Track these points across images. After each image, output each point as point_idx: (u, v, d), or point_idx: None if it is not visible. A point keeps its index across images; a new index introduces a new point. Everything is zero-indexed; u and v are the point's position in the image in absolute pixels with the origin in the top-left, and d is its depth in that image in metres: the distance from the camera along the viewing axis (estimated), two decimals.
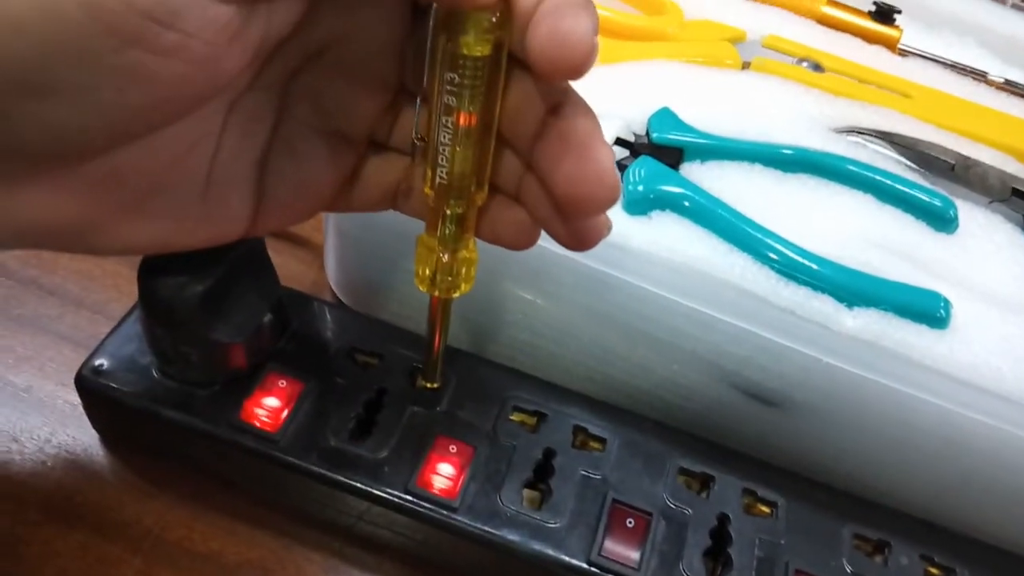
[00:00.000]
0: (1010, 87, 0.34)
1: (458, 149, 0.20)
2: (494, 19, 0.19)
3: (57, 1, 0.15)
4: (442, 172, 0.21)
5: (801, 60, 0.32)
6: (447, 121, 0.20)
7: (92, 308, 0.30)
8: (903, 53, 0.34)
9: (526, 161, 0.21)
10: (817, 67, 0.32)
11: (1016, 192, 0.28)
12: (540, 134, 0.20)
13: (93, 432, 0.27)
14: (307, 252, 0.33)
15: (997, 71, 0.36)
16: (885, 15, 0.34)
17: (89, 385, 0.25)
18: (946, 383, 0.23)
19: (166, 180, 0.19)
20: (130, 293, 0.25)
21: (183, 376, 0.25)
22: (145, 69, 0.16)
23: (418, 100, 0.21)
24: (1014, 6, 0.39)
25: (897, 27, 0.35)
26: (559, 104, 0.19)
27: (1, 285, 0.30)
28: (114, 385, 0.25)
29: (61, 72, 0.15)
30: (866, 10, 0.35)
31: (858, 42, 0.34)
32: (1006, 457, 0.23)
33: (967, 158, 0.29)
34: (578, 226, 0.20)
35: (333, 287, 0.32)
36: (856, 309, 0.23)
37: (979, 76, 0.34)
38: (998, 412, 0.22)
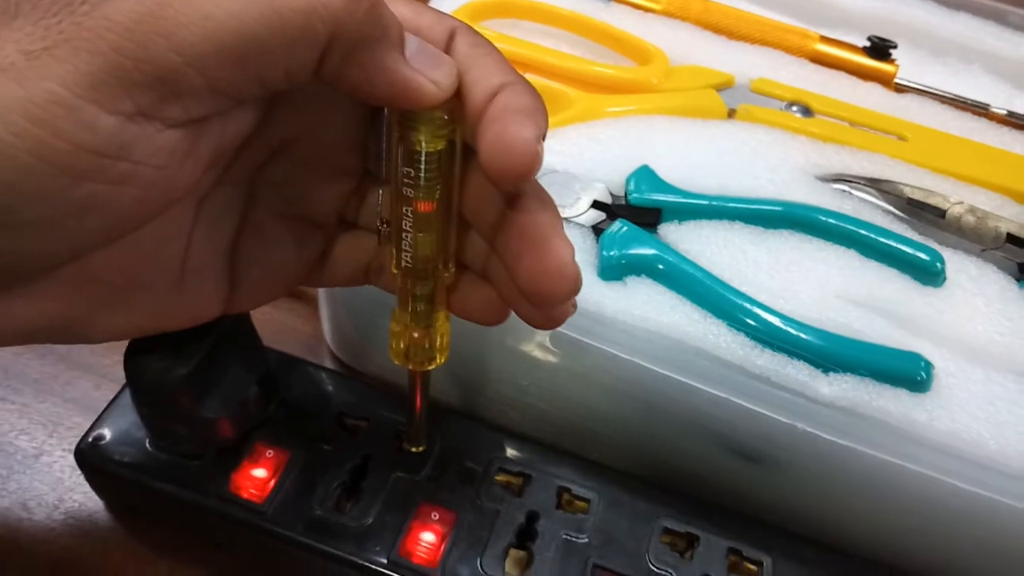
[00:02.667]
0: (1013, 119, 0.33)
1: (420, 235, 0.21)
2: (445, 117, 0.19)
3: (8, 149, 0.15)
4: (406, 256, 0.21)
5: (791, 104, 0.31)
6: (407, 210, 0.20)
7: (99, 373, 0.31)
8: (900, 89, 0.34)
9: (491, 244, 0.21)
10: (807, 111, 0.31)
11: (1011, 239, 0.28)
12: (500, 225, 0.20)
13: (97, 498, 0.28)
14: (304, 306, 0.34)
15: (1004, 98, 0.35)
16: (880, 51, 0.34)
17: (88, 459, 0.26)
18: (924, 451, 0.22)
19: (141, 275, 0.20)
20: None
21: (174, 449, 0.26)
22: (101, 198, 0.17)
23: (379, 189, 0.22)
24: (1016, 26, 0.38)
25: (893, 62, 0.34)
26: (517, 196, 0.20)
27: (13, 350, 0.32)
28: (111, 458, 0.26)
29: (21, 210, 0.16)
30: (861, 46, 0.34)
31: (853, 80, 0.33)
32: (986, 520, 0.23)
33: (960, 204, 0.28)
34: (544, 313, 0.21)
35: (328, 343, 0.32)
36: (832, 375, 0.23)
37: (980, 109, 0.33)
38: (977, 479, 0.22)
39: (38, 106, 0.16)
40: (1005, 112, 0.33)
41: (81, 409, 0.30)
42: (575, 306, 0.21)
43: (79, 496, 0.28)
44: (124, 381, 0.28)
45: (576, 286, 0.20)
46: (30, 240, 0.17)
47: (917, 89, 0.34)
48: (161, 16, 0.16)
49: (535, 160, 0.18)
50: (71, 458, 0.28)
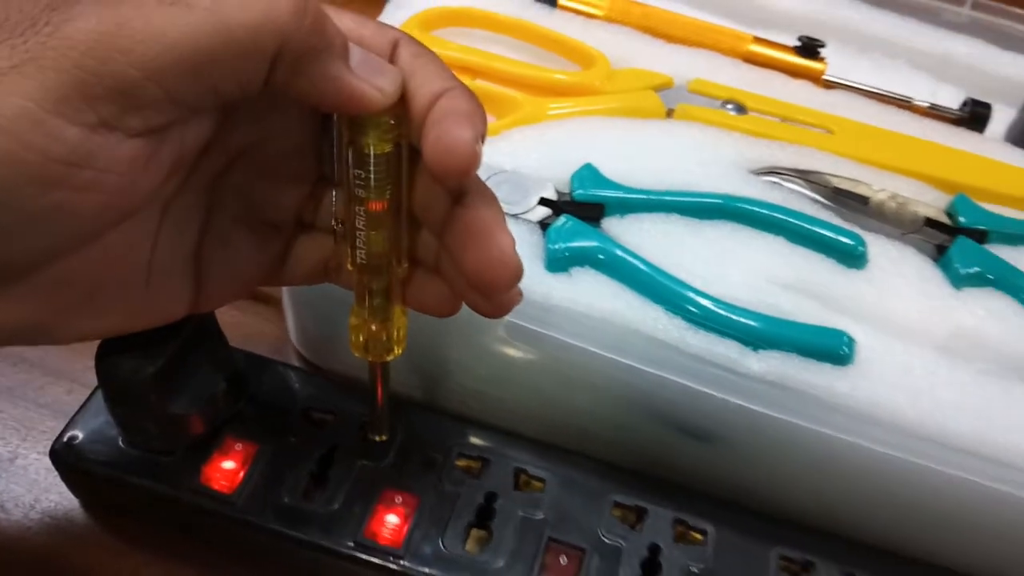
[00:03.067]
0: (935, 111, 0.35)
1: (372, 232, 0.22)
2: (392, 122, 0.21)
3: None
4: (360, 253, 0.23)
5: (725, 103, 0.33)
6: (359, 209, 0.22)
7: (71, 378, 0.32)
8: (829, 85, 0.36)
9: (440, 240, 0.22)
10: (740, 108, 0.33)
11: (929, 223, 0.30)
12: (447, 221, 0.22)
13: (72, 497, 0.29)
14: (269, 310, 0.35)
15: (928, 91, 0.38)
16: (810, 50, 0.36)
17: (63, 458, 0.27)
18: (846, 419, 0.24)
19: (109, 278, 0.21)
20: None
21: (146, 445, 0.27)
22: (68, 205, 0.18)
23: (333, 190, 0.23)
24: (943, 23, 0.40)
25: (822, 60, 0.36)
26: (462, 194, 0.21)
27: None
28: (85, 456, 0.27)
29: None
30: (792, 45, 0.36)
31: (784, 78, 0.35)
32: (902, 481, 0.24)
33: (881, 191, 0.30)
34: (491, 301, 0.22)
35: (293, 342, 0.34)
36: (761, 352, 0.25)
37: (904, 102, 0.35)
38: (896, 443, 0.24)
39: (8, 119, 0.17)
40: (928, 105, 0.36)
41: (54, 413, 0.31)
42: (521, 295, 0.23)
43: (55, 496, 0.29)
44: (95, 385, 0.29)
45: (518, 275, 0.21)
46: (1, 246, 0.18)
47: (844, 85, 0.36)
48: (119, 35, 0.17)
49: (473, 159, 0.19)
50: (46, 460, 0.29)
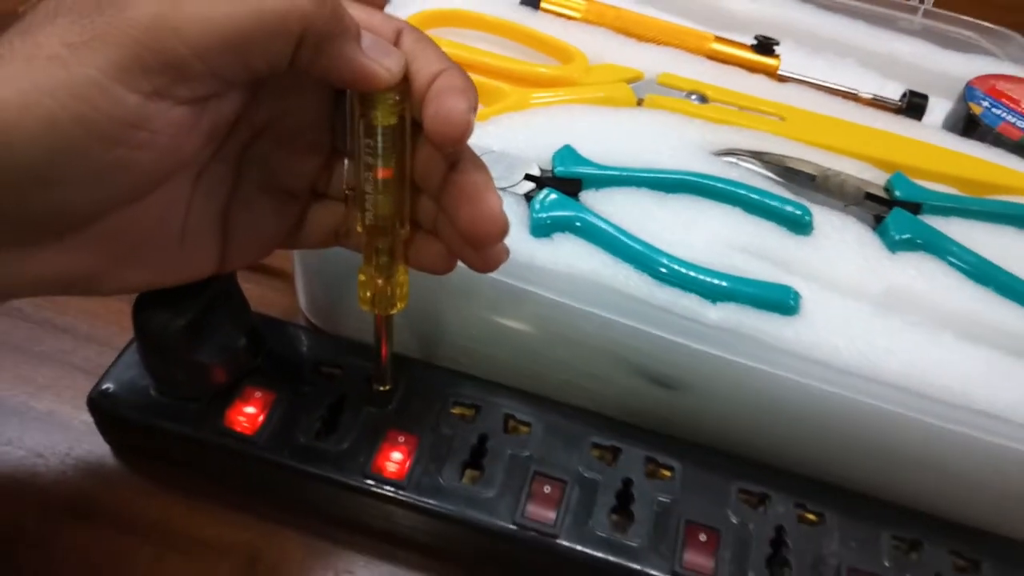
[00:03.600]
0: (877, 102, 0.39)
1: (380, 197, 0.25)
2: (397, 97, 0.24)
3: (57, 119, 0.20)
4: (369, 215, 0.26)
5: (690, 94, 0.37)
6: (368, 176, 0.25)
7: (99, 342, 0.35)
8: (783, 79, 0.39)
9: (437, 203, 0.26)
10: (703, 99, 0.37)
11: (868, 196, 0.33)
12: (444, 186, 0.25)
13: (105, 444, 0.32)
14: (281, 282, 0.38)
15: (875, 85, 0.41)
16: (765, 47, 0.39)
17: (99, 406, 0.30)
18: (792, 361, 0.28)
19: (150, 235, 0.24)
20: (130, 328, 0.30)
21: (175, 393, 0.30)
22: (126, 160, 0.21)
23: (345, 159, 0.26)
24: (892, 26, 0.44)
25: (776, 56, 0.40)
26: (456, 161, 0.25)
27: (20, 327, 0.35)
28: (119, 404, 0.30)
29: (64, 168, 0.20)
30: (749, 44, 0.40)
31: (743, 73, 0.39)
32: (846, 417, 0.28)
33: (827, 169, 0.34)
34: (482, 254, 0.26)
35: (303, 310, 0.37)
36: (719, 304, 0.28)
37: (851, 94, 0.39)
38: (835, 381, 0.27)
39: (80, 86, 0.20)
40: (871, 96, 0.39)
41: (86, 373, 0.33)
42: (507, 252, 0.26)
43: (88, 444, 0.32)
44: (122, 347, 0.32)
45: (505, 229, 0.24)
46: (69, 195, 0.21)
47: (797, 79, 0.39)
48: (172, 17, 0.20)
49: (468, 126, 0.23)
50: (80, 413, 0.32)
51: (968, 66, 0.43)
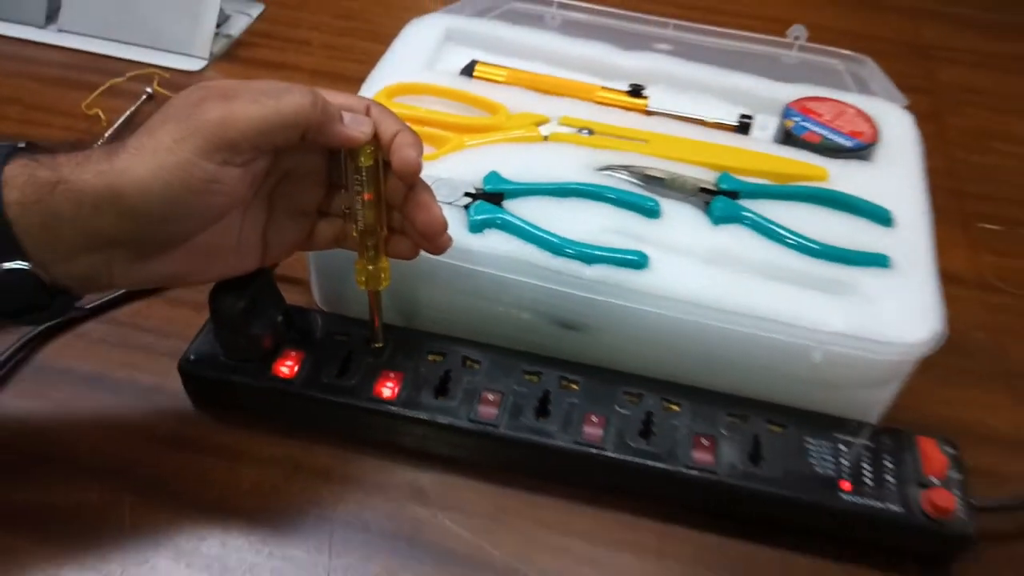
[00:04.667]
0: (719, 124, 0.53)
1: (366, 211, 0.39)
2: (371, 148, 0.38)
3: (170, 184, 0.33)
4: (360, 224, 0.39)
5: (581, 129, 0.51)
6: (358, 198, 0.38)
7: (175, 336, 0.47)
8: (650, 113, 0.53)
9: (402, 214, 0.39)
10: (591, 132, 0.50)
11: (702, 189, 0.47)
12: (406, 202, 0.38)
13: (187, 400, 0.45)
14: (301, 287, 0.51)
15: (724, 112, 0.55)
16: (636, 92, 0.53)
17: (185, 369, 0.43)
18: (646, 298, 0.41)
19: (218, 247, 0.38)
20: (196, 325, 0.44)
21: (237, 356, 0.43)
22: (207, 203, 0.34)
23: (342, 190, 0.40)
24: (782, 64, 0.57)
25: (645, 97, 0.54)
26: (413, 185, 0.38)
27: (119, 329, 0.48)
28: (199, 366, 0.43)
29: (174, 212, 0.34)
30: (625, 90, 0.54)
31: (620, 111, 0.53)
32: (685, 334, 0.41)
33: (675, 174, 0.47)
34: (434, 242, 0.39)
35: (317, 301, 0.50)
36: (593, 265, 0.42)
37: (699, 120, 0.53)
38: (676, 309, 0.41)
39: (182, 164, 0.33)
40: (714, 120, 0.53)
41: (168, 356, 0.45)
42: (451, 240, 0.40)
43: (176, 399, 0.44)
44: (191, 337, 0.45)
45: (446, 225, 0.38)
46: (175, 227, 0.35)
47: (661, 112, 0.53)
48: (229, 118, 0.34)
49: (419, 167, 0.36)
50: (168, 381, 0.45)
51: (794, 92, 0.56)
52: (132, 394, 0.45)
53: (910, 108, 0.58)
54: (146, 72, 0.67)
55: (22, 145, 0.35)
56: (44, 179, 0.33)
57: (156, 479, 0.42)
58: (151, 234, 0.35)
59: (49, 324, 0.47)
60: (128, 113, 0.63)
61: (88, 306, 0.49)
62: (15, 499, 0.40)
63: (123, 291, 0.50)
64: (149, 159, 0.33)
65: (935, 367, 0.50)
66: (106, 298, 0.49)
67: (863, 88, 0.61)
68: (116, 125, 0.62)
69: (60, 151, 0.35)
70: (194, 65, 0.70)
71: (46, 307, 0.35)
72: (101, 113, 0.63)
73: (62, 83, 0.67)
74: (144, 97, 0.65)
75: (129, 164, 0.33)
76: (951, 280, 0.57)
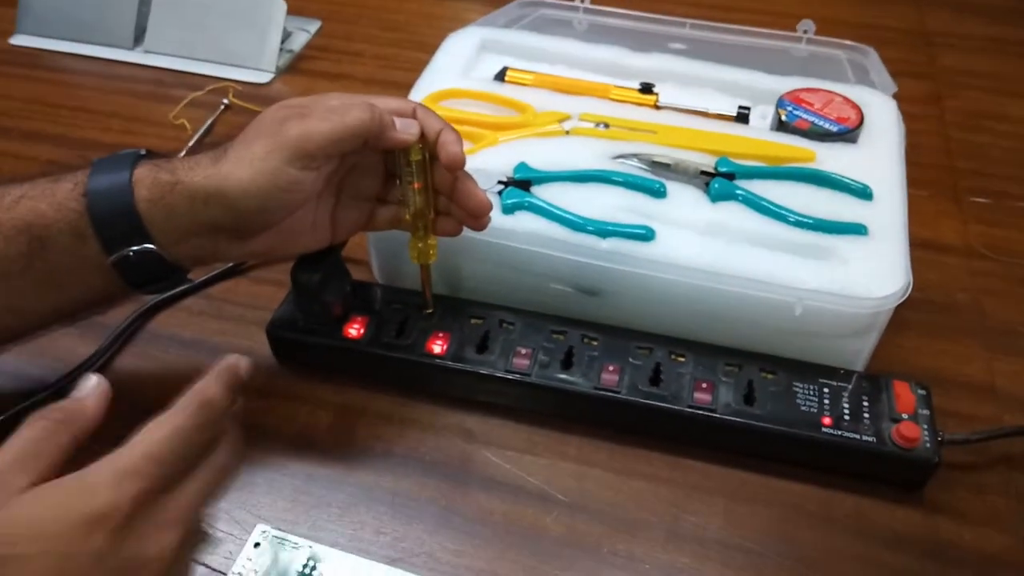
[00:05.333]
0: (718, 116, 0.59)
1: (416, 198, 0.46)
2: (420, 145, 0.45)
3: (263, 186, 0.41)
4: (412, 208, 0.47)
5: (598, 123, 0.58)
6: (409, 187, 0.46)
7: (260, 308, 0.56)
8: (659, 108, 0.60)
9: (449, 198, 0.47)
10: (606, 126, 0.57)
11: (702, 172, 0.53)
12: (453, 189, 0.46)
13: (272, 358, 0.53)
14: (363, 266, 0.59)
15: (724, 105, 0.61)
16: (646, 89, 0.60)
17: (271, 333, 0.51)
18: (654, 265, 0.48)
19: (299, 229, 0.46)
20: (277, 299, 0.52)
21: (314, 320, 0.51)
22: (292, 198, 0.42)
23: (397, 180, 0.48)
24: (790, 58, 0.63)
25: (655, 94, 0.60)
26: (459, 176, 0.46)
27: (213, 304, 0.57)
28: (283, 329, 0.51)
29: (267, 205, 0.42)
30: (637, 88, 0.61)
31: (633, 107, 0.60)
32: (689, 296, 0.48)
33: (679, 160, 0.54)
34: (478, 222, 0.46)
35: (377, 278, 0.58)
36: (608, 239, 0.49)
37: (703, 112, 0.59)
38: (680, 273, 0.47)
39: (273, 171, 0.41)
40: (716, 112, 0.59)
41: (255, 325, 0.54)
42: (490, 220, 0.47)
43: (264, 358, 0.53)
44: (273, 308, 0.53)
45: (490, 206, 0.46)
46: (267, 216, 0.43)
47: (668, 107, 0.60)
48: (307, 132, 0.41)
49: (463, 160, 0.44)
50: (255, 344, 0.53)
51: (791, 84, 0.62)
52: (226, 355, 0.54)
53: (910, 93, 0.64)
54: (222, 85, 0.76)
55: (143, 152, 0.44)
56: (165, 181, 0.41)
57: (250, 420, 0.50)
58: (248, 222, 0.43)
59: (159, 298, 0.56)
60: (209, 122, 0.72)
61: (195, 281, 0.58)
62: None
63: (219, 271, 0.58)
64: (247, 167, 0.41)
65: (919, 324, 0.57)
66: (204, 278, 0.58)
67: (863, 77, 0.66)
68: (200, 132, 0.71)
69: (175, 158, 0.43)
70: (263, 78, 0.78)
71: (165, 279, 0.44)
72: (186, 123, 0.72)
73: (151, 97, 0.76)
74: (221, 107, 0.74)
75: (232, 170, 0.41)
76: (941, 249, 0.63)
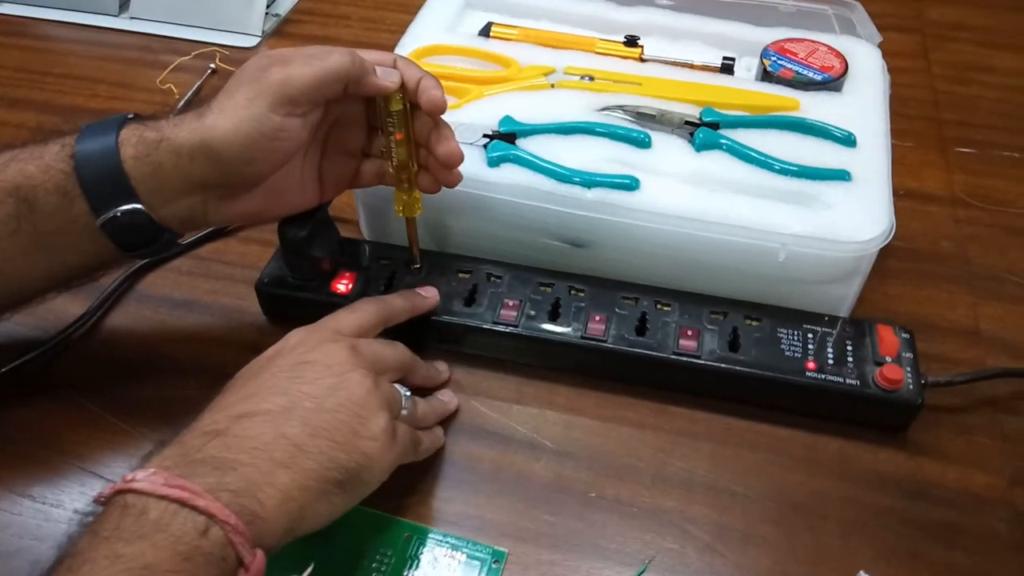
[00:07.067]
0: (704, 67, 0.58)
1: (399, 149, 0.45)
2: (400, 95, 0.44)
3: (249, 133, 0.40)
4: (395, 160, 0.46)
5: (583, 76, 0.56)
6: (391, 138, 0.45)
7: (249, 267, 0.55)
8: (644, 60, 0.59)
9: (427, 150, 0.46)
10: (591, 78, 0.56)
11: (687, 123, 0.52)
12: (430, 138, 0.45)
13: (262, 315, 0.52)
14: (351, 225, 0.58)
15: (712, 56, 0.60)
16: (631, 42, 0.59)
17: (260, 288, 0.50)
18: (639, 214, 0.47)
19: (286, 186, 0.45)
20: (265, 258, 0.51)
21: (302, 277, 0.50)
22: (278, 147, 0.41)
23: (379, 132, 0.46)
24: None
25: (640, 47, 0.59)
26: (436, 124, 0.45)
27: (201, 264, 0.56)
28: (272, 285, 0.50)
29: (252, 155, 0.41)
30: (622, 40, 0.59)
31: (618, 60, 0.58)
32: (676, 244, 0.47)
33: (663, 111, 0.53)
34: (452, 175, 0.45)
35: (364, 235, 0.57)
36: (592, 189, 0.48)
37: (687, 64, 0.58)
38: (664, 221, 0.47)
39: (256, 117, 0.40)
40: (701, 63, 0.58)
41: (244, 283, 0.53)
42: (462, 176, 0.46)
43: (252, 315, 0.52)
44: (264, 265, 0.52)
45: (461, 156, 0.44)
46: (254, 168, 0.42)
47: (653, 59, 0.59)
48: (289, 77, 0.40)
49: (444, 103, 0.43)
50: (244, 303, 0.52)
51: (777, 35, 0.61)
52: (218, 313, 0.53)
53: (897, 47, 0.62)
54: (208, 50, 0.75)
55: (131, 116, 0.43)
56: (151, 138, 0.40)
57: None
58: (235, 176, 0.42)
59: (148, 260, 0.55)
60: (196, 86, 0.71)
61: (184, 242, 0.57)
62: (129, 395, 0.48)
63: (206, 232, 0.57)
64: (230, 115, 0.40)
65: (904, 272, 0.56)
66: (193, 238, 0.57)
67: (849, 30, 0.65)
68: (187, 96, 0.70)
69: (161, 117, 0.42)
70: (249, 42, 0.77)
71: (155, 242, 0.43)
72: (173, 87, 0.71)
73: (138, 63, 0.74)
74: (208, 72, 0.72)
75: (215, 121, 0.40)
76: (925, 198, 0.62)
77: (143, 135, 0.41)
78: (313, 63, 0.41)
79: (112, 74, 0.73)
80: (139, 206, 0.41)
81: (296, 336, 0.41)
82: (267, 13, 0.78)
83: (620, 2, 0.63)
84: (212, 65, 0.73)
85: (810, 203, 0.48)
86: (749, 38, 0.61)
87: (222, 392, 0.39)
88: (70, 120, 0.65)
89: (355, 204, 0.56)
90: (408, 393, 0.42)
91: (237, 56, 0.75)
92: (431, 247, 0.53)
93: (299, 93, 0.40)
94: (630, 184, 0.48)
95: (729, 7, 0.65)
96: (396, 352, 0.43)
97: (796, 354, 0.46)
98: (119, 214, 0.41)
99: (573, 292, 0.50)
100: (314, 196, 0.47)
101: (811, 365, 0.45)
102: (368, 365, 0.40)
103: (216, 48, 0.75)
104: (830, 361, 0.45)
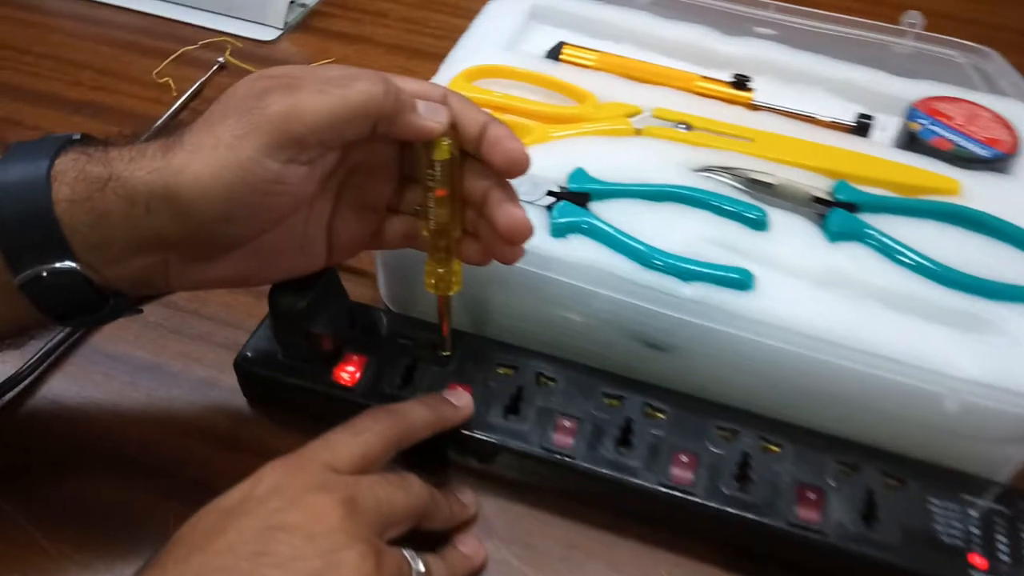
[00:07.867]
0: (833, 124, 0.45)
1: (439, 209, 0.33)
2: (448, 141, 0.32)
3: (233, 184, 0.28)
4: (432, 222, 0.34)
5: (678, 123, 0.44)
6: (430, 195, 0.33)
7: (234, 325, 0.44)
8: (756, 108, 0.46)
9: (479, 213, 0.33)
10: (689, 127, 0.44)
11: (815, 200, 0.40)
12: (487, 198, 0.32)
13: (243, 397, 0.40)
14: (367, 280, 0.46)
15: (838, 109, 0.47)
16: (741, 84, 0.46)
17: (241, 367, 0.39)
18: (749, 324, 0.35)
19: (283, 247, 0.33)
20: (257, 315, 0.39)
21: (296, 356, 0.38)
22: (271, 203, 0.30)
23: (415, 185, 0.34)
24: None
25: (750, 90, 0.46)
26: (499, 182, 0.32)
27: (176, 316, 0.45)
28: (255, 365, 0.38)
29: (236, 212, 0.29)
30: (729, 80, 0.47)
31: (723, 104, 0.46)
32: (795, 368, 0.35)
33: (784, 179, 0.40)
34: (512, 251, 0.33)
35: (384, 299, 0.45)
36: (691, 283, 0.36)
37: (811, 118, 0.46)
38: (782, 339, 0.34)
39: (244, 162, 0.28)
40: (829, 119, 0.46)
41: (226, 348, 0.42)
42: (524, 251, 0.34)
43: (231, 397, 0.40)
44: (251, 329, 0.40)
45: (531, 229, 0.32)
46: (237, 228, 0.30)
47: (767, 107, 0.46)
48: (294, 111, 0.29)
49: (527, 159, 0.31)
50: (224, 377, 0.41)
51: (915, 89, 0.49)
52: (187, 386, 0.41)
53: None
54: (219, 40, 0.63)
55: (77, 137, 0.31)
56: (95, 175, 0.29)
57: (205, 482, 0.37)
58: (209, 236, 0.30)
59: None
60: (199, 83, 0.59)
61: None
62: (56, 493, 0.37)
63: None
64: (208, 157, 0.28)
65: None
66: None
67: (991, 86, 0.53)
68: (186, 96, 0.58)
69: (113, 145, 0.30)
70: (268, 35, 0.65)
71: (97, 309, 0.31)
72: (171, 82, 0.59)
73: (134, 48, 0.63)
74: (216, 67, 0.60)
75: (186, 162, 0.28)
76: None
77: (86, 169, 0.29)
78: (331, 91, 0.29)
79: (101, 59, 0.62)
80: (73, 264, 0.29)
81: (272, 476, 0.29)
82: (292, 2, 0.66)
83: (725, 31, 0.50)
84: (221, 59, 0.61)
85: (983, 330, 0.36)
86: (881, 89, 0.49)
87: (159, 558, 0.27)
88: (40, 112, 0.53)
89: (375, 262, 0.44)
90: (421, 568, 0.30)
91: (252, 50, 0.63)
92: (466, 326, 0.41)
93: (308, 132, 0.29)
94: (742, 281, 0.36)
95: (833, 43, 0.53)
96: (409, 496, 0.31)
97: (955, 540, 0.33)
98: (45, 273, 0.29)
99: (649, 412, 0.37)
100: (319, 259, 0.35)
101: (978, 560, 0.33)
102: (370, 531, 0.28)
103: (228, 39, 0.63)
104: (1003, 556, 0.33)
